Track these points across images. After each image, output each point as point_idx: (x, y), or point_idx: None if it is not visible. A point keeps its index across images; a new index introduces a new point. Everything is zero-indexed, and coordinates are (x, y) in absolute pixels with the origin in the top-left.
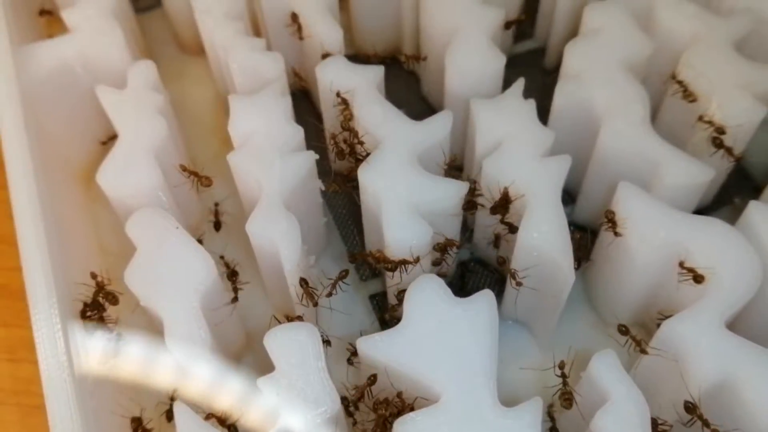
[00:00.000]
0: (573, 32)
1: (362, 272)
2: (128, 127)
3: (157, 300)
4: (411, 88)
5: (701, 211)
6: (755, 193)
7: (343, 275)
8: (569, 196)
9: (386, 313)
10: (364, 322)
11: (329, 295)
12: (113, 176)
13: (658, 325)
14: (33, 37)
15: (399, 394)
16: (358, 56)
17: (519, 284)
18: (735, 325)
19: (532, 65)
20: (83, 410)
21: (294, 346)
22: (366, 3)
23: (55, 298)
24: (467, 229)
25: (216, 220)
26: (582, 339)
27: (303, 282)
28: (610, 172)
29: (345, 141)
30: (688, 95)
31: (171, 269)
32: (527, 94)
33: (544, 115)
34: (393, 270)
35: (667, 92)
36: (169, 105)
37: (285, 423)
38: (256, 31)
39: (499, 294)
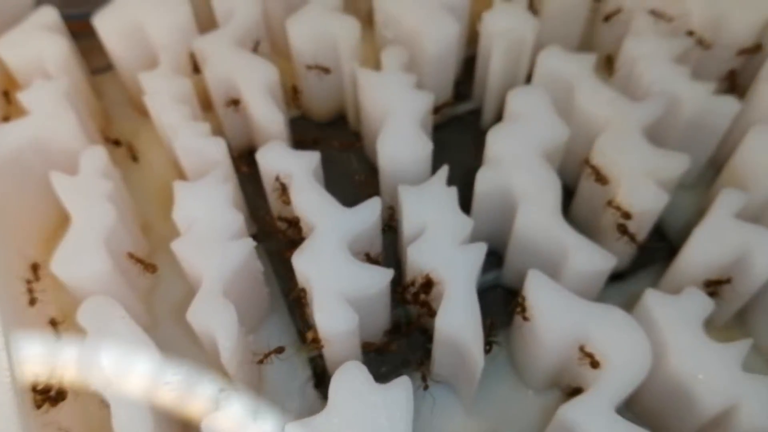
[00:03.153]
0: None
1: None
2: (80, 215)
3: (104, 388)
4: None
5: (620, 274)
6: (672, 255)
7: (279, 350)
8: (498, 260)
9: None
10: (305, 384)
11: (260, 362)
12: (65, 264)
13: (568, 394)
14: None
15: None
16: (304, 118)
17: (426, 387)
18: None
19: (470, 126)
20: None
21: None
22: (312, 76)
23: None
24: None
25: None
26: (505, 400)
27: None
28: (526, 253)
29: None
30: (600, 179)
31: (117, 358)
32: (464, 155)
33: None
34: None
35: (582, 174)
36: (121, 185)
37: None
38: (210, 107)
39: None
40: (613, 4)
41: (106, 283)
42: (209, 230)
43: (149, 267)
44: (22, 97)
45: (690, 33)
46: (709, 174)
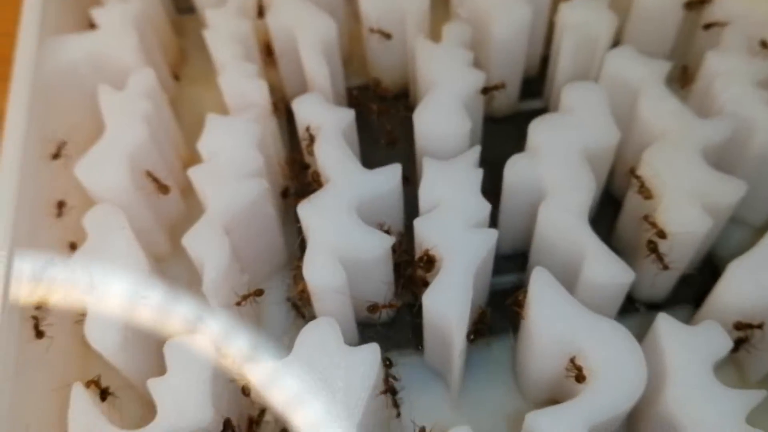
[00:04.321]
0: None
1: None
2: (114, 128)
3: (89, 289)
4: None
5: (659, 305)
6: None
7: (259, 293)
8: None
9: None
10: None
11: (237, 304)
12: (87, 170)
13: None
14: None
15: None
16: (366, 88)
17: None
18: None
19: None
20: None
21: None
22: (377, 42)
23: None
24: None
25: None
26: (496, 404)
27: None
28: (547, 255)
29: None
30: (643, 191)
31: (109, 264)
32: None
33: None
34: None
35: (629, 185)
36: (165, 110)
37: None
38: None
39: None
40: (719, 16)
41: (125, 198)
42: (227, 165)
43: (162, 188)
44: (94, 14)
45: None
46: None
